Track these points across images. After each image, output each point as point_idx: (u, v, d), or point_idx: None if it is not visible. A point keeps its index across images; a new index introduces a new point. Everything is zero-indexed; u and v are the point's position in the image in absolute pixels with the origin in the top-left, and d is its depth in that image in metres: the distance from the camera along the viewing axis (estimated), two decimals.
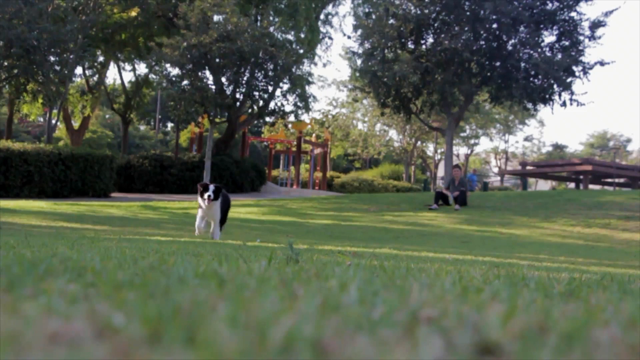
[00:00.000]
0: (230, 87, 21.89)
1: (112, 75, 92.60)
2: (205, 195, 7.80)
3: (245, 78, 21.61)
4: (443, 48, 22.63)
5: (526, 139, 67.27)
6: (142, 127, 64.00)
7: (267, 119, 25.28)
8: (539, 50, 23.09)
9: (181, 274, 1.65)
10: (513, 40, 23.40)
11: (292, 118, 25.94)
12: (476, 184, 25.43)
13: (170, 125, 64.76)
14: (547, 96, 23.40)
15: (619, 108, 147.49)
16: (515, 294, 1.58)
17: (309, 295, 1.29)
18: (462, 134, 53.75)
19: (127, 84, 36.25)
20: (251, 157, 32.63)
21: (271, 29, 22.71)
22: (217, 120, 22.25)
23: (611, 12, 23.02)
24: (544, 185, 61.71)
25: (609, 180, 38.95)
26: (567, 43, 23.31)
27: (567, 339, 0.94)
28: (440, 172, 48.42)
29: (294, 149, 34.12)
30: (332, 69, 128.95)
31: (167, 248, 4.17)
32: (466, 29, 23.09)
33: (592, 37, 23.20)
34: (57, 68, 22.62)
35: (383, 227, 13.90)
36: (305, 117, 29.30)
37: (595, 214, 15.43)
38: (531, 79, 23.11)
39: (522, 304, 1.36)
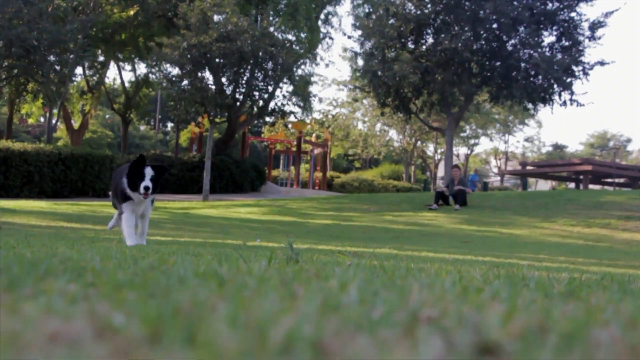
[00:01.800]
0: (230, 87, 21.89)
1: (112, 75, 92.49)
2: (142, 188, 5.02)
3: (245, 78, 21.61)
4: (443, 48, 22.64)
5: (527, 139, 67.32)
6: (142, 127, 64.00)
7: (267, 119, 25.29)
8: (539, 50, 23.10)
9: (181, 274, 1.64)
10: (513, 41, 23.40)
11: (292, 118, 25.94)
12: (475, 187, 25.38)
13: (170, 125, 64.75)
14: (547, 96, 23.41)
15: (619, 108, 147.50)
16: (515, 294, 1.58)
17: (309, 295, 1.29)
18: (462, 134, 53.76)
19: (127, 84, 36.26)
20: (251, 157, 32.64)
21: (271, 29, 22.70)
22: (217, 120, 22.25)
23: (611, 12, 23.03)
24: (544, 185, 61.69)
25: (609, 180, 38.95)
26: (567, 43, 23.33)
27: (567, 339, 0.94)
28: (440, 172, 48.44)
29: (294, 149, 34.11)
30: (332, 68, 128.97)
31: (167, 248, 4.17)
32: (466, 29, 23.09)
33: (592, 38, 23.21)
34: (57, 68, 22.63)
35: (383, 227, 13.90)
36: (305, 117, 29.33)
37: (595, 214, 15.43)
38: (531, 79, 23.12)
39: (522, 304, 1.36)
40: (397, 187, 37.79)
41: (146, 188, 4.99)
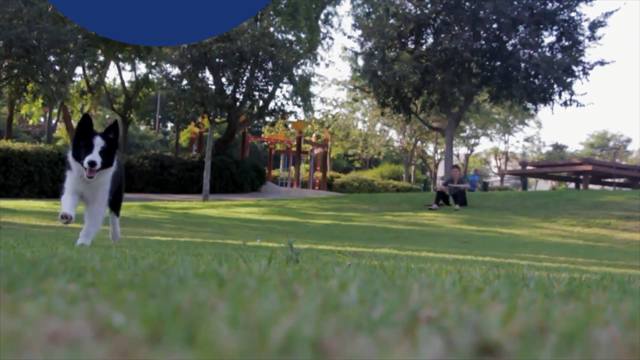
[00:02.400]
0: (230, 87, 21.90)
1: (112, 76, 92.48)
2: (86, 162, 3.74)
3: (245, 78, 21.62)
4: (443, 48, 22.64)
5: (527, 139, 67.35)
6: (142, 127, 63.98)
7: (267, 119, 25.31)
8: (539, 50, 23.12)
9: (181, 274, 1.64)
10: (513, 41, 23.42)
11: (292, 118, 25.93)
12: (475, 187, 25.38)
13: (170, 125, 64.76)
14: (547, 96, 23.43)
15: (619, 108, 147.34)
16: (515, 294, 1.58)
17: (309, 295, 1.29)
18: (462, 134, 53.76)
19: (127, 84, 36.25)
20: (251, 157, 32.64)
21: (271, 29, 22.70)
22: (217, 120, 22.26)
23: (611, 12, 23.05)
24: (544, 185, 61.67)
25: (609, 180, 38.94)
26: (567, 43, 23.34)
27: (567, 339, 0.94)
28: (441, 172, 48.42)
29: (294, 149, 34.11)
30: (332, 68, 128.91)
31: (167, 248, 4.17)
32: (466, 29, 23.10)
33: (592, 37, 23.23)
34: (57, 68, 22.62)
35: (383, 227, 13.90)
36: (306, 117, 29.32)
37: (595, 214, 15.43)
38: (531, 79, 23.13)
39: (522, 304, 1.36)
40: (397, 187, 37.79)
41: (91, 163, 3.65)
